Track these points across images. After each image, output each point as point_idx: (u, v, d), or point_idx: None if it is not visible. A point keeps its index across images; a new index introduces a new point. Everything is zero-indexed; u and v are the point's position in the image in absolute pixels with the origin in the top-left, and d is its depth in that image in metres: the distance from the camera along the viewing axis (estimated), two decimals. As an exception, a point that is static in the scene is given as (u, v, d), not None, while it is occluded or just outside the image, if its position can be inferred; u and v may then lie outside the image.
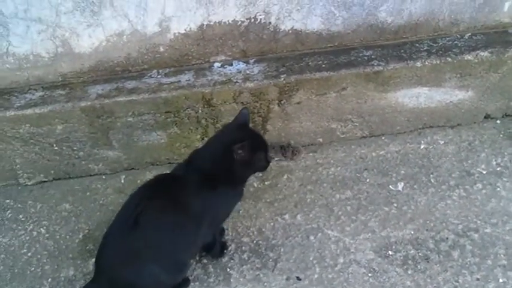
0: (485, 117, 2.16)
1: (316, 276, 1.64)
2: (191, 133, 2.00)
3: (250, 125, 1.59)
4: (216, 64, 1.98)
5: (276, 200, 1.91)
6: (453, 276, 1.59)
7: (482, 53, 1.94)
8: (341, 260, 1.68)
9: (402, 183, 1.93)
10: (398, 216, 1.80)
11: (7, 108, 1.86)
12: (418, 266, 1.63)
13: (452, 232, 1.73)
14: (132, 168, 2.09)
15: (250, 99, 1.92)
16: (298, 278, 1.63)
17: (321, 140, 2.13)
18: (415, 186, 1.91)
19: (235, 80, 1.90)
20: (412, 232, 1.74)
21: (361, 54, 1.98)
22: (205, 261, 1.71)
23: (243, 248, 1.75)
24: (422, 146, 2.08)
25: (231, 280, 1.65)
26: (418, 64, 1.92)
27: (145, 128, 1.95)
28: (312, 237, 1.76)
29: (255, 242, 1.76)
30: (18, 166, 2.01)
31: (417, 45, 2.00)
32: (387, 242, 1.72)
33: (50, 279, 1.70)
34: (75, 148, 1.98)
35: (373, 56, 1.96)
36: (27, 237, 1.86)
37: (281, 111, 1.99)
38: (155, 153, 2.05)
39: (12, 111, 1.85)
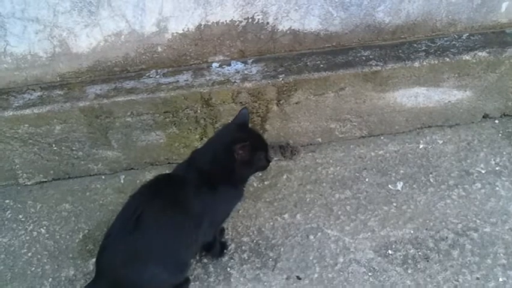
0: (483, 117, 2.16)
1: (316, 275, 1.64)
2: (190, 133, 2.00)
3: (250, 124, 1.59)
4: (214, 64, 1.98)
5: (276, 199, 1.91)
6: (453, 276, 1.60)
7: (480, 53, 1.94)
8: (341, 260, 1.68)
9: (401, 183, 1.93)
10: (397, 216, 1.81)
11: (5, 108, 1.85)
12: (418, 265, 1.64)
13: (452, 231, 1.73)
14: (132, 168, 2.09)
15: (249, 99, 1.92)
16: (298, 278, 1.64)
17: (319, 139, 2.13)
18: (414, 186, 1.92)
19: (233, 80, 1.90)
20: (412, 231, 1.75)
21: (359, 54, 1.98)
22: (205, 260, 1.71)
23: (243, 247, 1.75)
24: (421, 146, 2.09)
25: (231, 280, 1.65)
26: (416, 64, 1.93)
27: (144, 128, 1.95)
28: (311, 237, 1.76)
29: (255, 241, 1.76)
30: (17, 166, 2.00)
31: (415, 45, 2.01)
32: (387, 241, 1.72)
33: (50, 279, 1.70)
34: (74, 148, 1.97)
35: (371, 56, 1.96)
36: (27, 237, 1.86)
37: (280, 111, 1.99)
38: (154, 153, 2.05)
39: (10, 111, 1.85)
